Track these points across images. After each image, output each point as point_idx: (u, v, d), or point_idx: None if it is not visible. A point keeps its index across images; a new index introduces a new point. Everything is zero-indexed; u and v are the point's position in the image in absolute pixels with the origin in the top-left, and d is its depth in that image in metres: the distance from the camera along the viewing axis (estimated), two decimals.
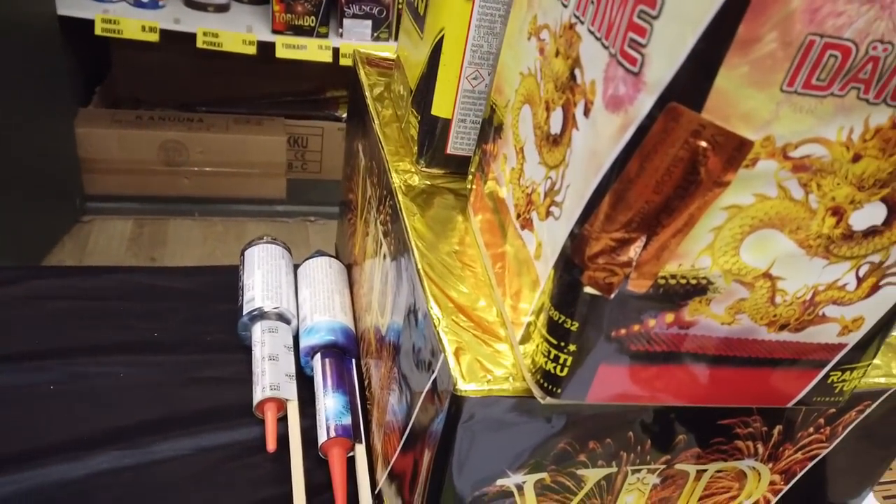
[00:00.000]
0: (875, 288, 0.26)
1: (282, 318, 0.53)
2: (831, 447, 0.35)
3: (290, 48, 1.69)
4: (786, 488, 0.36)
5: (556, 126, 0.26)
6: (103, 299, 0.57)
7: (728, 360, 0.27)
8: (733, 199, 0.23)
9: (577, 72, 0.25)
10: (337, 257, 0.60)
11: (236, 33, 1.66)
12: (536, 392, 0.28)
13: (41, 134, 1.61)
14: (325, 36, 1.69)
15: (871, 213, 0.24)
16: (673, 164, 0.22)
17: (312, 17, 1.68)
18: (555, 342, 0.26)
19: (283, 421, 0.48)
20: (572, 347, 0.26)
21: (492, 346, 0.30)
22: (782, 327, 0.26)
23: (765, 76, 0.20)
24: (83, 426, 0.46)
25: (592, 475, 0.33)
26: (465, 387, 0.28)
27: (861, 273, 0.26)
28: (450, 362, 0.29)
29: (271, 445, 0.46)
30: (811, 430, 0.34)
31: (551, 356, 0.26)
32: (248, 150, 1.90)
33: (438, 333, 0.30)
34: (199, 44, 1.65)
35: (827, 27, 0.20)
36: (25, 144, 1.52)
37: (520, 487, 0.32)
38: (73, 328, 0.53)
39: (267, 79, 1.99)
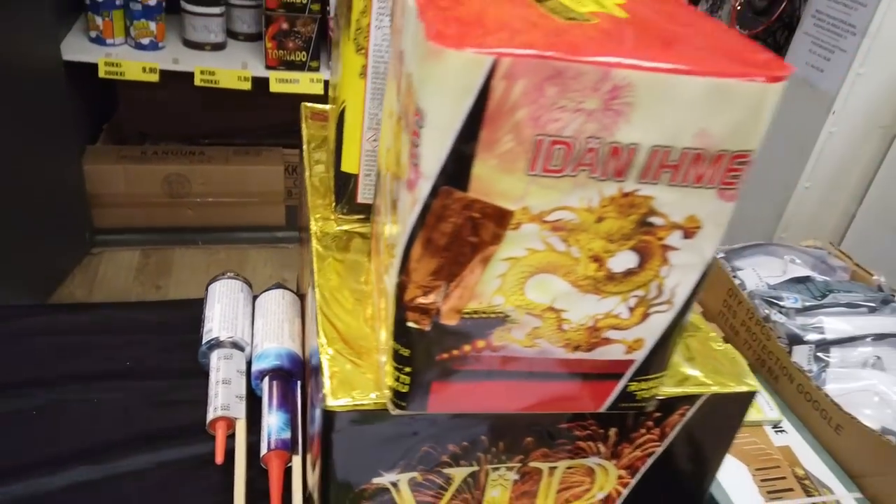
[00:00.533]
0: (645, 316, 0.33)
1: (236, 345, 0.60)
2: (665, 446, 0.41)
3: (283, 82, 1.78)
4: (633, 481, 0.42)
5: (395, 194, 0.34)
6: (85, 333, 0.65)
7: (538, 375, 0.34)
8: (509, 252, 0.30)
9: (401, 154, 0.32)
10: (298, 287, 0.68)
11: (232, 70, 1.75)
12: (389, 406, 0.35)
13: (51, 172, 1.71)
14: (317, 70, 1.78)
15: (625, 259, 0.31)
16: (454, 230, 0.29)
17: (303, 53, 1.77)
18: (397, 365, 0.33)
19: (232, 437, 0.55)
20: (408, 369, 0.33)
21: (365, 370, 0.37)
22: (576, 348, 0.33)
23: (510, 165, 0.27)
24: (62, 445, 0.54)
25: (458, 473, 0.39)
26: (333, 402, 0.35)
27: (631, 304, 0.32)
28: (325, 383, 0.36)
29: (219, 458, 0.53)
30: (643, 430, 0.40)
31: (396, 377, 0.33)
32: (247, 179, 1.99)
33: (321, 359, 0.37)
34: (197, 82, 1.75)
35: (549, 130, 0.27)
36: (36, 182, 1.62)
37: (395, 485, 0.39)
38: (56, 361, 0.61)
39: (264, 110, 2.08)
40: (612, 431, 0.40)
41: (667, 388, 0.39)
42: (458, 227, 0.29)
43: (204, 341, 0.60)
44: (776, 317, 0.67)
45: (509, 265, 0.30)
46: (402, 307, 0.31)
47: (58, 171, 1.75)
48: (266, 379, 0.58)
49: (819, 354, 0.65)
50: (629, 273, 0.31)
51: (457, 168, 0.27)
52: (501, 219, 0.29)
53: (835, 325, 0.66)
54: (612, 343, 0.33)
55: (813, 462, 0.59)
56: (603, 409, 0.36)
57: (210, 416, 0.55)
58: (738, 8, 2.45)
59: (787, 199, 1.87)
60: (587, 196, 0.29)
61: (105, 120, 2.12)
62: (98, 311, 0.68)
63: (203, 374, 0.60)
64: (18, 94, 1.50)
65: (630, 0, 0.33)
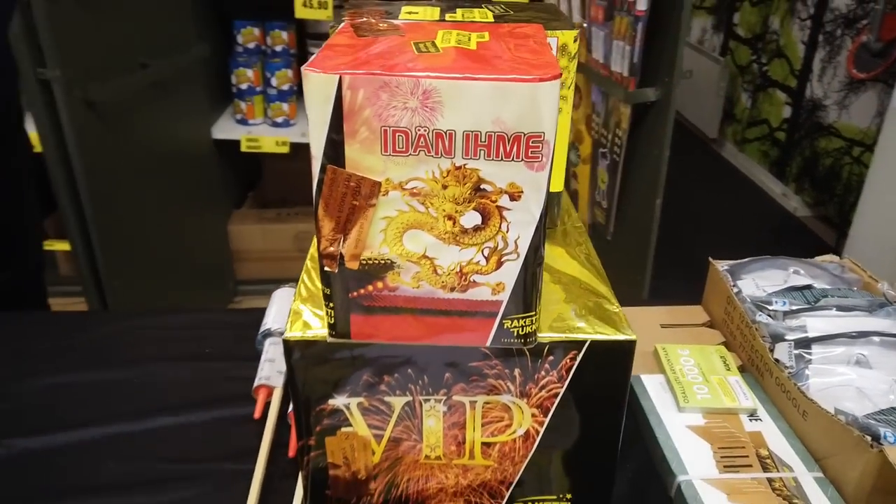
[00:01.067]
0: (499, 263, 0.43)
1: (282, 334, 0.76)
2: (565, 387, 0.50)
3: None
4: (546, 420, 0.51)
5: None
6: (182, 328, 0.84)
7: (429, 312, 0.45)
8: (384, 213, 0.42)
9: None
10: None
11: None
12: (327, 335, 0.48)
13: (202, 232, 2.04)
14: None
15: (471, 217, 0.42)
16: (342, 196, 0.42)
17: None
18: (325, 303, 0.46)
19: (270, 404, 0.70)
20: (331, 305, 0.46)
21: (322, 317, 0.50)
22: (452, 289, 0.44)
23: (369, 148, 0.40)
24: (148, 403, 0.71)
25: (396, 402, 0.51)
26: (289, 335, 0.48)
27: (485, 254, 0.43)
28: (288, 322, 0.50)
29: (257, 414, 0.68)
30: (543, 373, 0.49)
31: (326, 312, 0.47)
32: None
33: (292, 308, 0.51)
34: None
35: (389, 122, 0.40)
36: (190, 241, 1.94)
37: (347, 407, 0.51)
38: (155, 346, 0.80)
39: None
40: (517, 371, 0.49)
41: (553, 334, 0.48)
42: (343, 193, 0.42)
43: (260, 332, 0.77)
44: (761, 318, 0.72)
45: (386, 223, 0.43)
46: (320, 256, 0.45)
47: (208, 232, 2.08)
48: None
49: (800, 352, 0.68)
50: (477, 228, 0.43)
51: (333, 152, 0.41)
52: (372, 187, 0.42)
53: (817, 324, 0.70)
54: (479, 286, 0.44)
55: (780, 445, 0.63)
56: (489, 342, 0.47)
57: (255, 383, 0.70)
58: (855, 51, 2.39)
59: None
60: (430, 169, 0.41)
61: (252, 188, 2.48)
62: (196, 314, 0.88)
63: (259, 357, 0.77)
64: (178, 167, 1.84)
65: (493, 38, 0.46)
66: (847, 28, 2.55)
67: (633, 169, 1.62)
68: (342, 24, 0.49)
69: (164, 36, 1.72)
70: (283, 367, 0.73)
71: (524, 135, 0.39)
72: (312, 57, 0.41)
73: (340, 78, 0.38)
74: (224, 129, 2.06)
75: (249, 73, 2.02)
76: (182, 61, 1.77)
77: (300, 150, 2.05)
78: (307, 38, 2.07)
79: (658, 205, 1.56)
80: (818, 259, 0.83)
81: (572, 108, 1.67)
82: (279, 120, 2.09)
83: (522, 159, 0.40)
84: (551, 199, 0.62)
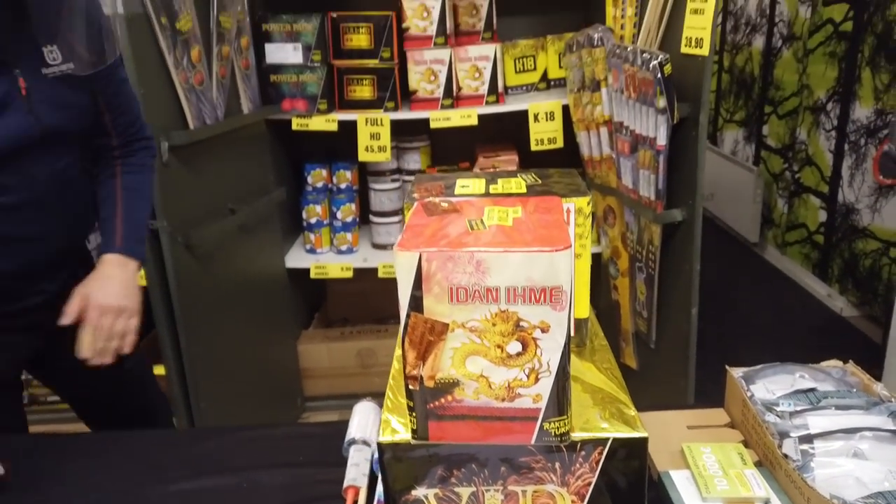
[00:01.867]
0: (537, 379, 0.59)
1: (365, 442, 0.91)
2: (596, 477, 0.63)
3: None
4: None
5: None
6: (276, 440, 1.00)
7: (486, 418, 0.61)
8: (451, 344, 0.59)
9: None
10: None
11: None
12: (411, 437, 0.63)
13: (274, 352, 2.23)
14: None
15: (514, 346, 0.58)
16: (421, 334, 0.59)
17: None
18: (409, 412, 0.62)
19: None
20: (414, 415, 0.62)
21: (405, 424, 0.66)
22: (503, 400, 0.60)
23: (440, 300, 0.57)
24: None
25: (464, 492, 0.65)
26: (382, 439, 0.64)
27: (526, 372, 0.59)
28: (380, 429, 0.65)
29: None
30: (577, 465, 0.63)
31: (409, 419, 0.62)
32: None
33: (383, 416, 0.67)
34: (380, 274, 2.23)
35: (454, 282, 0.57)
36: (264, 362, 2.14)
37: (426, 497, 0.65)
38: (254, 454, 0.96)
39: None
40: (557, 465, 0.63)
41: (583, 434, 0.62)
42: (422, 332, 0.59)
43: (346, 440, 0.92)
44: (770, 417, 0.83)
45: (453, 352, 0.59)
46: (405, 377, 0.61)
47: (280, 352, 2.27)
48: None
49: (804, 447, 0.79)
50: (519, 354, 0.58)
51: (415, 303, 0.58)
52: (442, 327, 0.58)
53: (818, 422, 0.81)
54: (523, 397, 0.60)
55: None
56: (533, 441, 0.61)
57: (344, 485, 0.85)
58: (879, 159, 2.53)
59: None
60: (482, 312, 0.58)
61: (317, 309, 2.69)
62: (290, 427, 1.04)
63: (346, 463, 0.91)
64: (255, 295, 2.07)
65: (524, 213, 0.64)
66: (870, 137, 2.70)
67: (667, 281, 1.76)
68: (415, 205, 0.68)
69: (249, 184, 2.00)
70: (367, 470, 0.88)
71: (548, 287, 0.56)
72: (400, 237, 0.59)
73: (420, 254, 0.56)
74: (295, 258, 2.30)
75: (318, 208, 2.28)
76: (262, 205, 2.03)
77: (361, 274, 2.26)
78: (368, 175, 2.34)
79: (694, 314, 1.68)
80: (822, 364, 0.94)
81: (609, 227, 1.85)
82: (343, 248, 2.32)
83: (548, 304, 0.57)
84: (579, 324, 0.77)
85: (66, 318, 1.06)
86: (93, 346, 1.07)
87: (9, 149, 0.99)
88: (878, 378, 2.18)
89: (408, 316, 0.58)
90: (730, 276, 3.40)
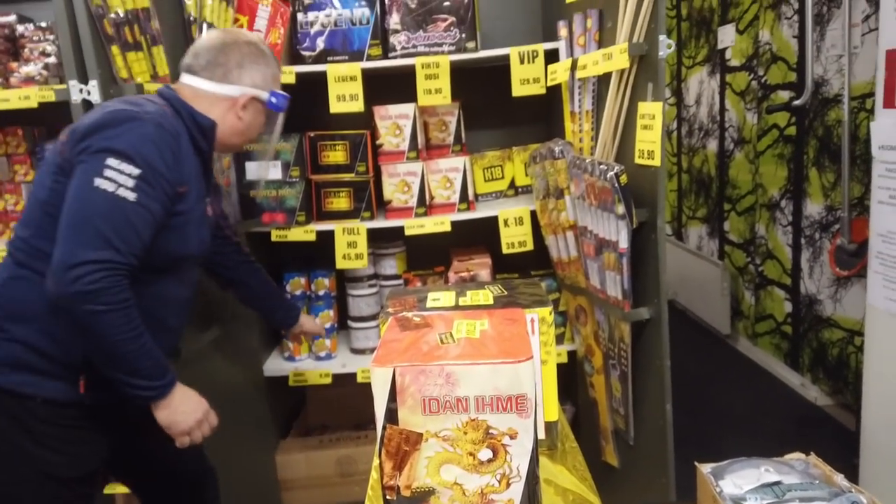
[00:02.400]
0: (508, 485, 0.62)
1: None
2: None
3: None
4: None
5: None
6: None
7: None
8: (426, 454, 0.62)
9: None
10: None
11: None
12: None
13: (252, 464, 2.20)
14: None
15: (485, 453, 0.62)
16: (397, 445, 0.62)
17: None
18: None
19: None
20: None
21: None
22: None
23: (414, 411, 0.62)
24: None
25: None
26: None
27: (498, 478, 0.62)
28: None
29: None
30: None
31: None
32: None
33: None
34: (359, 379, 2.24)
35: (426, 394, 0.61)
36: (239, 472, 2.10)
37: None
38: None
39: None
40: None
41: None
42: (399, 442, 0.62)
43: None
44: None
45: (428, 461, 0.63)
46: (382, 488, 0.64)
47: (257, 463, 2.23)
48: None
49: None
50: (490, 460, 0.62)
51: (391, 416, 0.62)
52: (417, 437, 0.62)
53: None
54: (496, 502, 0.63)
55: None
56: None
57: None
58: (834, 252, 2.66)
59: None
60: (454, 422, 0.62)
61: (296, 416, 2.66)
62: None
63: None
64: (234, 405, 2.06)
65: (491, 325, 0.69)
66: (823, 231, 2.85)
67: (641, 377, 1.80)
68: (389, 321, 0.73)
69: (227, 296, 2.03)
70: None
71: (513, 396, 0.61)
72: (375, 353, 0.64)
73: (395, 369, 0.61)
74: (274, 366, 2.31)
75: None
76: (242, 316, 2.07)
77: (340, 379, 2.27)
78: (346, 281, 2.39)
79: (668, 409, 1.71)
80: (787, 457, 0.98)
81: (582, 326, 1.90)
82: (322, 354, 2.34)
83: (514, 411, 0.61)
84: (549, 427, 0.81)
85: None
86: None
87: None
88: (856, 467, 2.20)
89: (384, 428, 0.62)
90: (705, 369, 3.45)
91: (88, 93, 1.55)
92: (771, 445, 2.67)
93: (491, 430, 0.60)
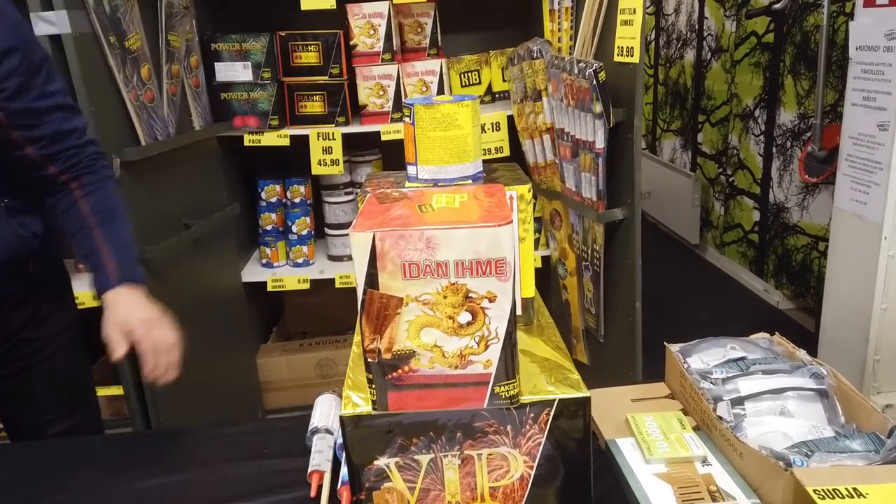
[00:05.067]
0: (487, 346, 0.64)
1: (328, 430, 0.95)
2: (545, 436, 0.68)
3: None
4: (535, 464, 0.69)
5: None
6: (241, 435, 1.03)
7: (441, 385, 0.66)
8: (406, 318, 0.64)
9: None
10: None
11: None
12: (370, 409, 0.67)
13: (234, 368, 2.24)
14: None
15: (465, 316, 0.64)
16: (377, 309, 0.64)
17: None
18: (368, 385, 0.67)
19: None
20: (373, 386, 0.66)
21: (366, 399, 0.70)
22: (456, 367, 0.65)
23: (394, 276, 0.63)
24: (221, 495, 0.89)
25: (423, 459, 0.70)
26: (344, 413, 0.68)
27: (476, 340, 0.64)
28: (342, 404, 0.70)
29: (313, 493, 0.85)
30: (527, 427, 0.68)
31: (369, 391, 0.67)
32: None
33: (344, 393, 0.71)
34: (337, 285, 2.26)
35: (407, 259, 0.62)
36: (223, 377, 2.14)
37: (388, 466, 0.70)
38: (221, 450, 0.98)
39: None
40: (509, 427, 0.69)
41: (532, 396, 0.68)
42: (379, 306, 0.64)
43: (309, 429, 0.96)
44: (704, 384, 0.91)
45: (408, 324, 0.64)
46: (364, 351, 0.66)
47: (239, 367, 2.27)
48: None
49: (736, 409, 0.87)
50: (469, 323, 0.64)
51: (371, 281, 0.63)
52: (397, 301, 0.63)
53: (747, 385, 0.89)
54: (474, 364, 0.65)
55: (726, 482, 0.80)
56: (485, 404, 0.66)
57: (309, 470, 0.88)
58: (804, 159, 2.70)
59: (868, 323, 1.97)
60: (434, 286, 0.63)
61: (275, 323, 2.69)
62: (252, 424, 1.07)
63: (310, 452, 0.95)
64: (212, 310, 2.07)
65: (471, 197, 0.70)
66: (795, 140, 2.88)
67: (612, 277, 1.85)
68: (367, 196, 0.73)
69: (202, 200, 2.01)
70: (330, 456, 0.91)
71: (493, 260, 0.62)
72: (355, 220, 0.64)
73: (374, 234, 0.61)
74: (252, 272, 2.31)
75: (273, 216, 2.31)
76: (217, 220, 2.05)
77: (319, 286, 2.29)
78: (322, 188, 2.37)
79: (638, 307, 1.77)
80: (752, 337, 1.03)
81: (556, 230, 1.93)
82: (300, 261, 2.34)
83: (494, 275, 0.62)
84: (526, 303, 0.83)
85: (117, 352, 1.03)
86: (156, 362, 1.05)
87: None
88: None
89: (364, 293, 0.63)
90: (673, 278, 3.54)
91: None
92: None
93: (470, 294, 0.61)
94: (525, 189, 0.80)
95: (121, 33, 1.60)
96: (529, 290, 0.83)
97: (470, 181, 0.81)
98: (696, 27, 3.78)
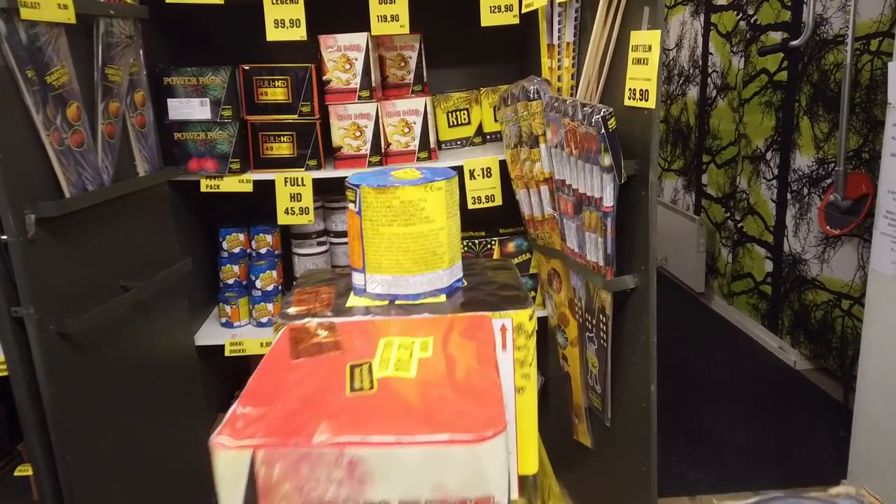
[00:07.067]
0: None
1: None
2: None
3: None
4: None
5: None
6: None
7: None
8: None
9: None
10: None
11: None
12: None
13: (184, 445, 1.95)
14: None
15: None
16: None
17: None
18: None
19: None
20: None
21: None
22: None
23: None
24: None
25: None
26: None
27: None
28: None
29: None
30: None
31: None
32: None
33: None
34: None
35: (312, 498, 0.35)
36: (170, 456, 1.85)
37: None
38: None
39: None
40: None
41: None
42: None
43: None
44: None
45: None
46: None
47: (188, 443, 1.98)
48: None
49: None
50: None
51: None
52: None
53: None
54: None
55: None
56: None
57: None
58: (825, 209, 2.45)
59: None
60: None
61: (239, 387, 2.41)
62: None
63: None
64: (158, 380, 1.80)
65: (437, 347, 0.43)
66: (813, 186, 2.64)
67: (622, 354, 1.59)
68: (281, 332, 0.47)
69: (147, 255, 1.74)
70: None
71: (470, 499, 0.35)
72: (229, 411, 0.38)
73: (253, 453, 0.35)
74: (208, 334, 2.04)
75: (236, 268, 2.05)
76: (164, 278, 1.78)
77: None
78: (291, 238, 2.11)
79: (653, 391, 1.50)
80: (832, 491, 0.76)
81: (555, 293, 1.64)
82: (264, 320, 2.07)
83: None
84: (524, 482, 0.57)
85: None
86: None
87: None
88: (843, 438, 2.04)
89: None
90: (678, 328, 3.28)
91: None
92: (751, 413, 2.52)
93: None
94: (524, 316, 0.54)
95: (41, 66, 1.34)
96: (531, 465, 0.57)
97: (443, 296, 0.55)
98: (700, 63, 3.57)
